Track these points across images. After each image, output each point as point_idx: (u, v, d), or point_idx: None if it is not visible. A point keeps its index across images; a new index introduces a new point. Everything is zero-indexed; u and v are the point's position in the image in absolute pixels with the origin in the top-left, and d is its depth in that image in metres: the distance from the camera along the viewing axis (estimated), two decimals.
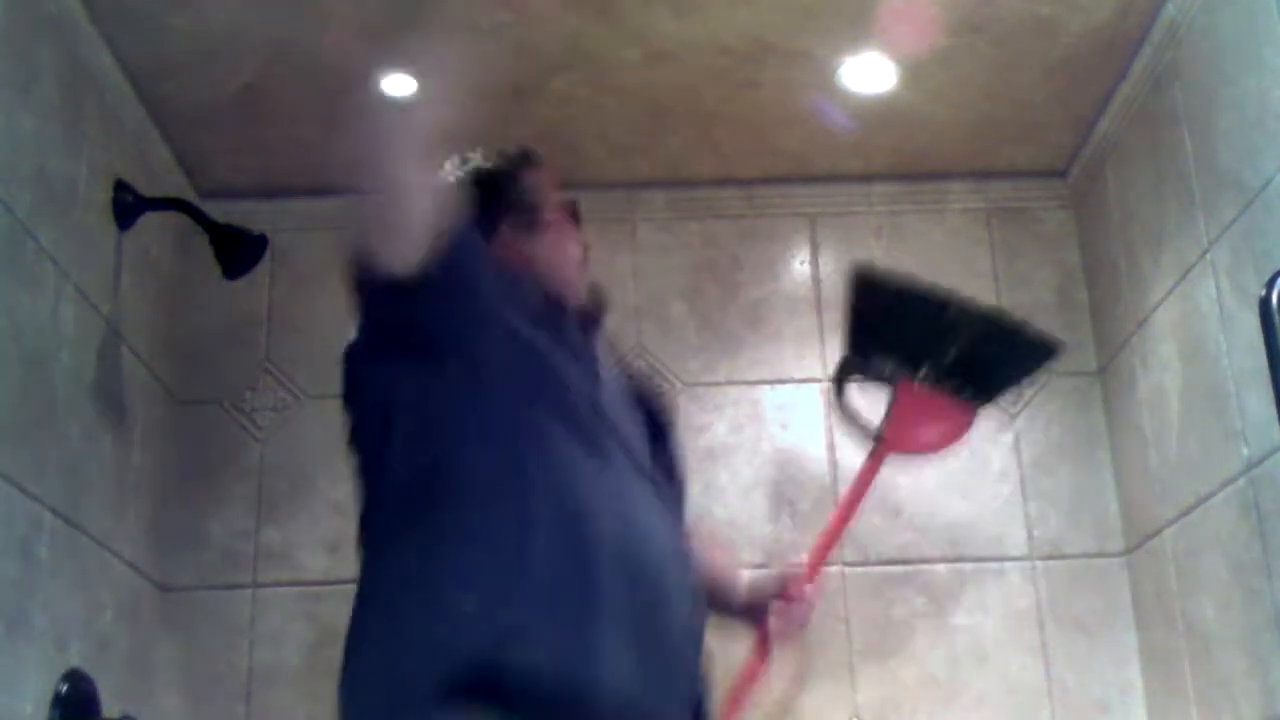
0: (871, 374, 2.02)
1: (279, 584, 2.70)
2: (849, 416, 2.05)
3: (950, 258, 2.95)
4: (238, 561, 2.71)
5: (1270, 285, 1.83)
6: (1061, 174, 2.97)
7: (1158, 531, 2.55)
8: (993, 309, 2.10)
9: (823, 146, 2.83)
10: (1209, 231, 2.26)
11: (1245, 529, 2.15)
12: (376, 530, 1.55)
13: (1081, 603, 2.72)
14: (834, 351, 2.88)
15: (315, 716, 2.63)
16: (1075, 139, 2.83)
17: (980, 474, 2.79)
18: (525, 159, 1.80)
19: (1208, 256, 2.27)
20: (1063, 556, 2.75)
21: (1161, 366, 2.51)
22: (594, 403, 1.53)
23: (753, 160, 2.89)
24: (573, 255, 1.75)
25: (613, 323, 2.70)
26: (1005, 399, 2.30)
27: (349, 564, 2.70)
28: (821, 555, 1.87)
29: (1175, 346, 2.44)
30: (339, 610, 2.68)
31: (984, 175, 2.97)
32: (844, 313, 2.06)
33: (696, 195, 2.97)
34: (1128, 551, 2.73)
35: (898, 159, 2.90)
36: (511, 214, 1.72)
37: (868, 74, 2.57)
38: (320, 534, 2.73)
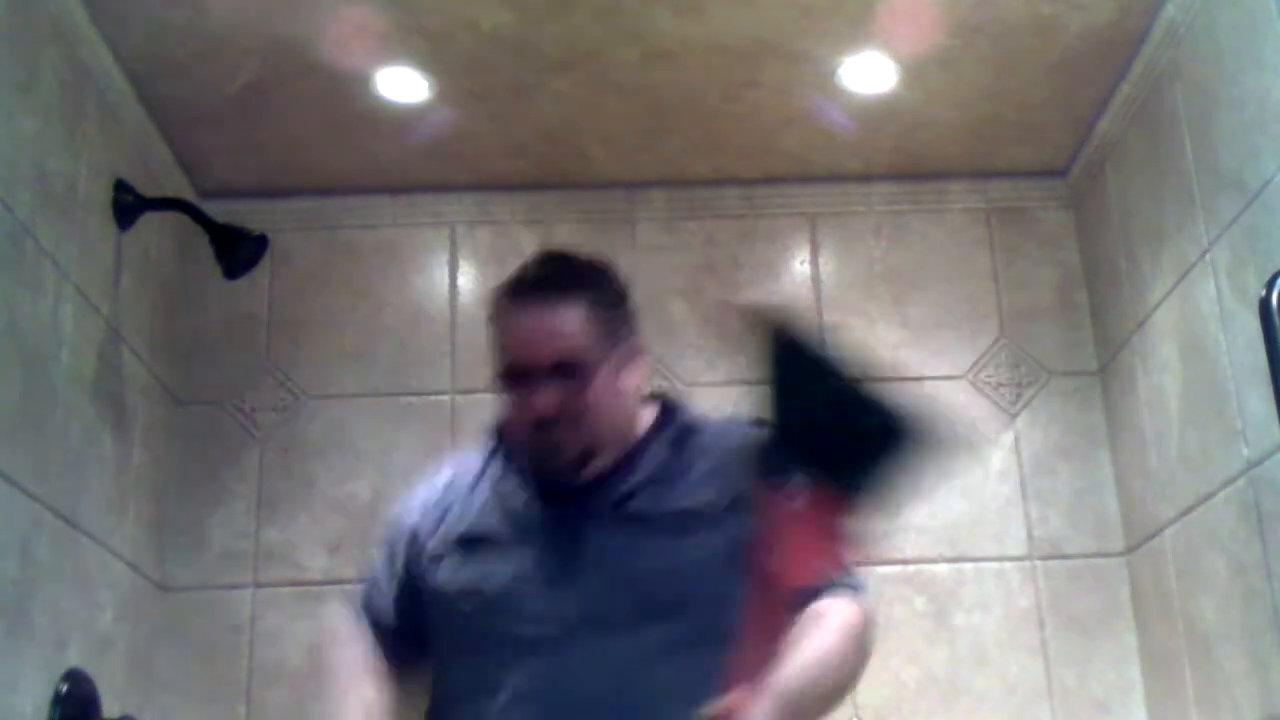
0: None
1: (279, 584, 2.70)
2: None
3: (950, 258, 2.95)
4: (238, 561, 2.71)
5: (1270, 285, 1.83)
6: (1061, 174, 2.97)
7: (1158, 531, 2.55)
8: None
9: (823, 146, 2.83)
10: (1209, 231, 2.26)
11: (1245, 529, 2.15)
12: None
13: (1081, 603, 2.72)
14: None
15: (315, 717, 2.63)
16: (1075, 139, 2.83)
17: (980, 474, 2.80)
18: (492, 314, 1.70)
19: (1208, 256, 2.27)
20: (1063, 556, 2.75)
21: (1161, 366, 2.51)
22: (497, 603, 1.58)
23: (753, 160, 2.89)
24: (516, 421, 1.65)
25: None
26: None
27: (349, 564, 2.72)
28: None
29: (1175, 346, 2.44)
30: (339, 610, 2.70)
31: (984, 175, 2.97)
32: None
33: (696, 195, 2.97)
34: (1128, 551, 2.73)
35: (898, 159, 2.90)
36: None
37: (868, 74, 2.57)
38: (320, 534, 2.73)
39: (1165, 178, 2.44)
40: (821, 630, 1.54)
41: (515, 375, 1.62)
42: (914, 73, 2.57)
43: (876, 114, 2.71)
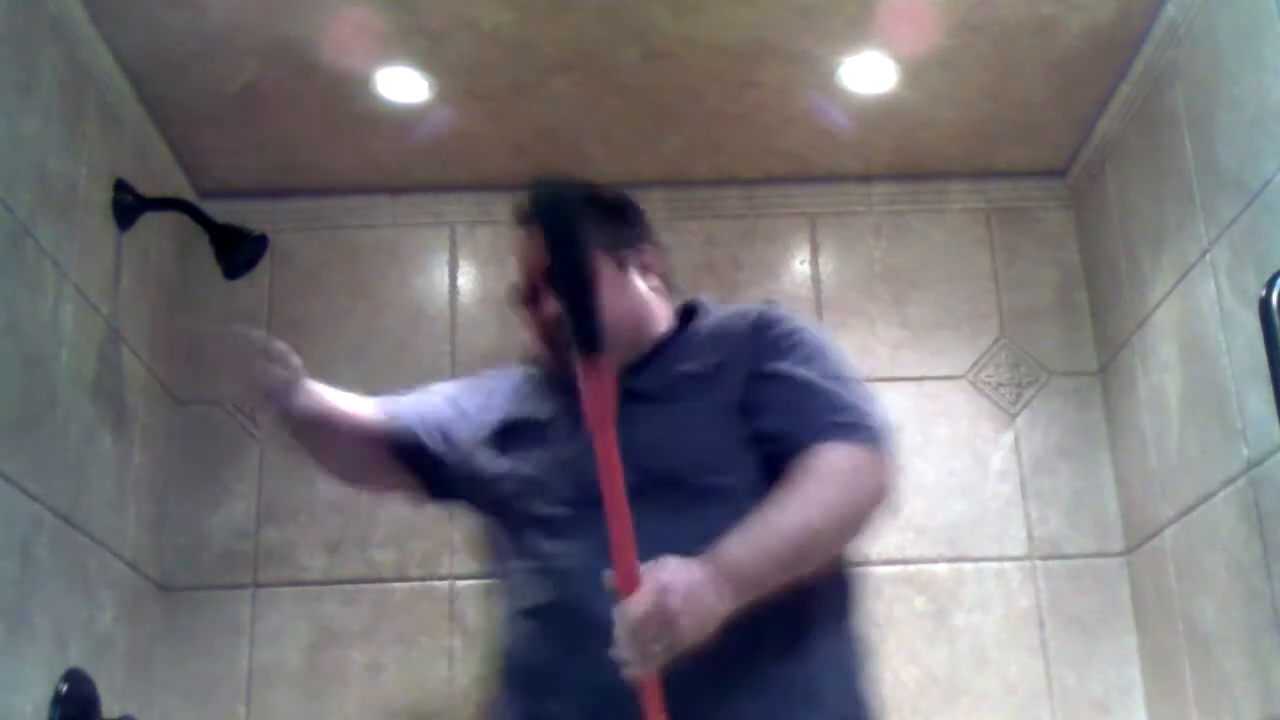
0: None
1: (279, 584, 2.70)
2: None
3: (950, 258, 2.95)
4: (238, 561, 2.71)
5: (1270, 285, 1.83)
6: (1061, 174, 2.97)
7: (1158, 531, 2.55)
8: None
9: (823, 146, 2.83)
10: (1209, 231, 2.26)
11: (1245, 529, 2.15)
12: None
13: (1081, 603, 2.72)
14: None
15: (315, 716, 2.64)
16: (1075, 139, 2.83)
17: (980, 474, 2.80)
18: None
19: (1208, 256, 2.27)
20: (1063, 556, 2.75)
21: (1161, 366, 2.51)
22: (519, 487, 1.70)
23: (753, 160, 2.89)
24: (535, 338, 1.80)
25: None
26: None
27: (349, 564, 2.73)
28: (624, 548, 1.49)
29: (1175, 346, 2.44)
30: (339, 610, 2.71)
31: (984, 175, 2.97)
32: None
33: (696, 195, 2.97)
34: (1128, 551, 2.73)
35: (898, 159, 2.90)
36: None
37: (868, 74, 2.57)
38: (320, 534, 2.73)
39: (1165, 178, 2.44)
40: (797, 484, 1.52)
41: (525, 292, 1.77)
42: (914, 73, 2.57)
43: (876, 114, 2.71)
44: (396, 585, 2.71)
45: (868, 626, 1.67)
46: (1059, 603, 2.72)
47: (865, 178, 2.96)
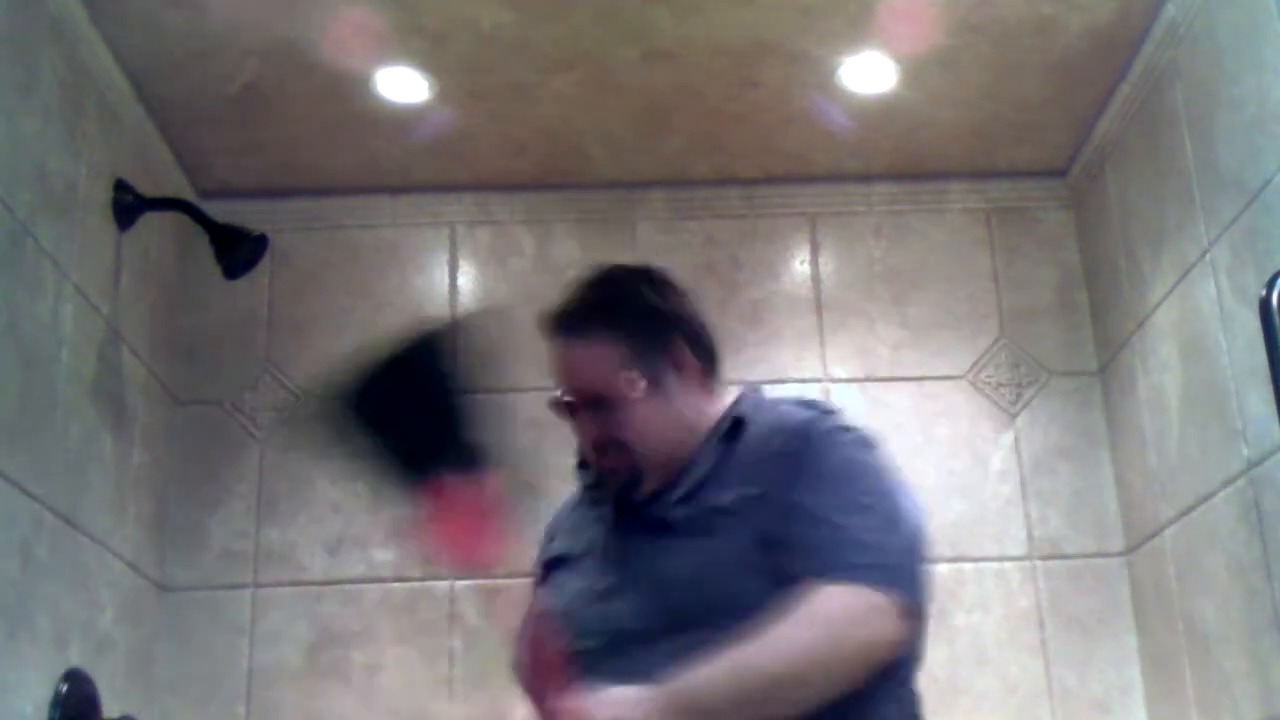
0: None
1: (279, 584, 2.70)
2: None
3: (950, 258, 2.95)
4: (238, 561, 2.71)
5: (1270, 285, 1.83)
6: (1061, 174, 2.97)
7: (1158, 531, 2.55)
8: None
9: (823, 146, 2.83)
10: (1209, 231, 2.26)
11: (1245, 529, 2.15)
12: None
13: (1081, 603, 2.72)
14: (834, 351, 2.89)
15: (315, 716, 2.63)
16: (1075, 139, 2.83)
17: (980, 474, 2.80)
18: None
19: (1208, 256, 2.27)
20: (1063, 556, 2.75)
21: (1161, 366, 2.51)
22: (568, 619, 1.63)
23: (753, 160, 2.89)
24: (581, 447, 1.74)
25: None
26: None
27: (349, 564, 2.73)
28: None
29: (1175, 346, 2.44)
30: (339, 610, 2.71)
31: (984, 175, 2.97)
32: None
33: (696, 195, 2.97)
34: (1128, 551, 2.73)
35: (898, 159, 2.90)
36: None
37: (868, 74, 2.57)
38: (320, 534, 2.73)
39: (1165, 178, 2.44)
40: (779, 625, 1.45)
41: (560, 404, 1.72)
42: (914, 73, 2.57)
43: (876, 114, 2.71)
44: (396, 585, 2.71)
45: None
46: (1059, 603, 2.72)
47: (865, 178, 2.96)
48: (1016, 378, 2.87)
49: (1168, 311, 2.47)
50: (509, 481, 1.55)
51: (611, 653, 1.52)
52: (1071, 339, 2.90)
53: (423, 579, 2.72)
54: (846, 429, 1.64)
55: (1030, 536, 2.76)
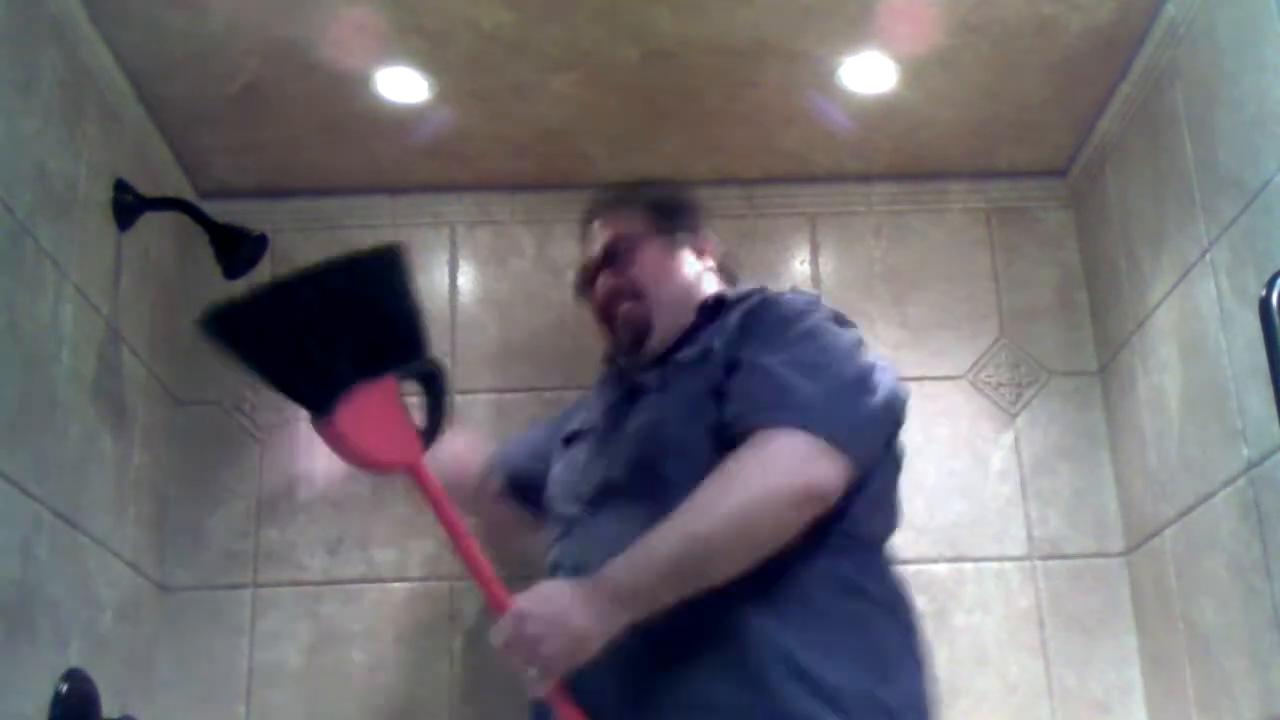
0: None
1: (279, 584, 2.70)
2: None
3: (950, 258, 2.95)
4: (238, 561, 2.71)
5: (1270, 285, 1.83)
6: (1061, 174, 2.97)
7: (1158, 531, 2.55)
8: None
9: (823, 146, 2.83)
10: (1209, 231, 2.26)
11: (1245, 529, 2.15)
12: None
13: (1081, 603, 2.72)
14: None
15: (315, 716, 2.63)
16: (1075, 139, 2.83)
17: (980, 474, 2.80)
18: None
19: (1208, 256, 2.27)
20: (1063, 556, 2.75)
21: (1161, 366, 2.51)
22: (560, 487, 1.76)
23: (753, 160, 2.89)
24: (594, 320, 1.90)
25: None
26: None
27: (349, 564, 2.73)
28: (483, 579, 1.58)
29: (1175, 346, 2.44)
30: (339, 610, 2.71)
31: (984, 175, 2.97)
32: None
33: (696, 195, 2.96)
34: (1128, 551, 2.73)
35: (898, 159, 2.90)
36: None
37: (868, 74, 2.57)
38: (320, 534, 2.73)
39: (1165, 178, 2.44)
40: (704, 486, 1.45)
41: (585, 276, 1.88)
42: (914, 73, 2.57)
43: (876, 114, 2.71)
44: (396, 585, 2.71)
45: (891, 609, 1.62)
46: (1059, 603, 2.72)
47: (865, 178, 2.96)
48: (1016, 378, 2.87)
49: (1168, 311, 2.47)
50: (411, 378, 1.64)
51: (597, 510, 1.57)
52: (1071, 339, 2.90)
53: (423, 579, 2.72)
54: (818, 304, 1.68)
55: (1030, 536, 2.76)
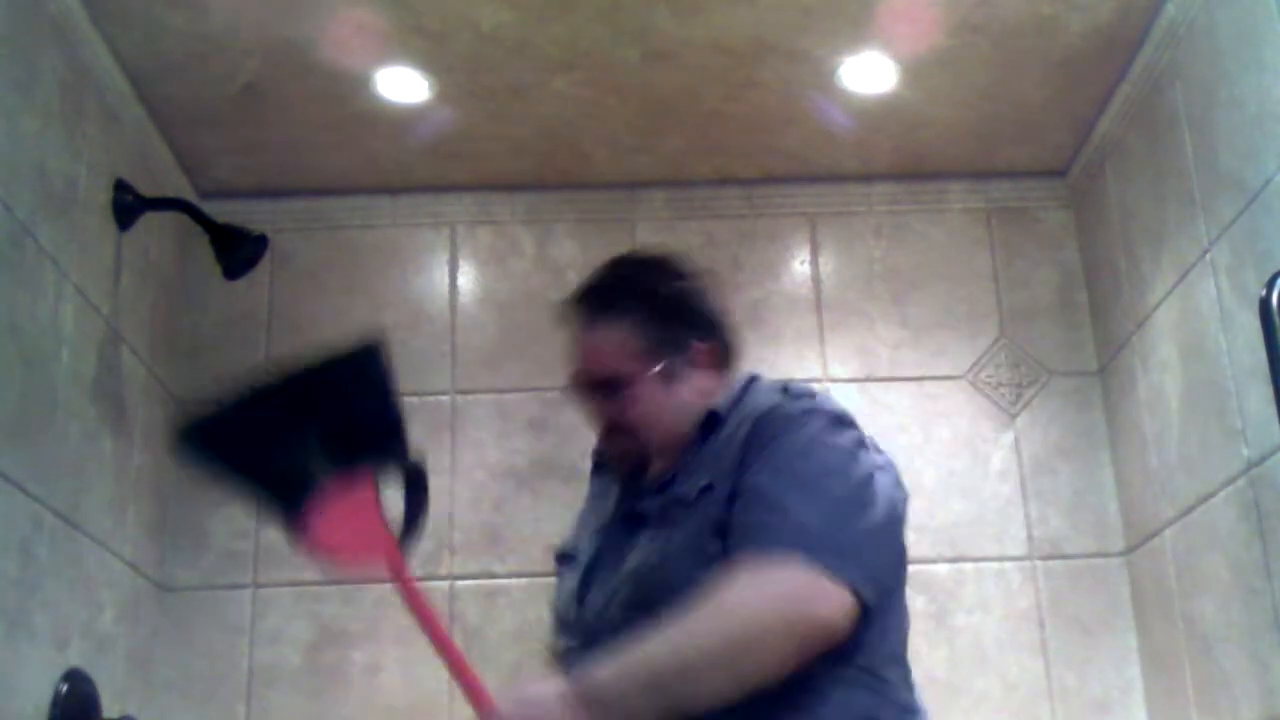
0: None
1: (279, 584, 2.70)
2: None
3: (950, 258, 2.95)
4: (238, 561, 2.71)
5: (1270, 285, 1.83)
6: (1061, 174, 2.97)
7: (1158, 531, 2.55)
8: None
9: (823, 146, 2.83)
10: (1209, 231, 2.26)
11: (1245, 529, 2.15)
12: None
13: (1081, 603, 2.72)
14: (834, 351, 2.89)
15: (315, 716, 2.63)
16: (1075, 139, 2.83)
17: (980, 474, 2.80)
18: None
19: (1208, 256, 2.27)
20: (1063, 556, 2.75)
21: (1161, 366, 2.51)
22: (565, 617, 1.68)
23: (753, 160, 2.89)
24: (595, 427, 1.76)
25: None
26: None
27: None
28: (465, 682, 1.57)
29: (1175, 346, 2.44)
30: (339, 610, 2.71)
31: (984, 175, 2.97)
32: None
33: (696, 195, 2.97)
34: (1128, 551, 2.73)
35: (898, 159, 2.90)
36: None
37: (868, 74, 2.57)
38: None
39: (1165, 178, 2.44)
40: (692, 609, 1.41)
41: (573, 387, 1.72)
42: (914, 73, 2.57)
43: (876, 114, 2.71)
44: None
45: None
46: (1059, 603, 2.72)
47: (865, 178, 2.96)
48: (1016, 378, 2.87)
49: (1168, 311, 2.47)
50: (386, 475, 1.60)
51: (587, 647, 1.53)
52: (1071, 339, 2.90)
53: (423, 579, 2.71)
54: (814, 411, 1.58)
55: (1030, 536, 2.76)
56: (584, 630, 1.59)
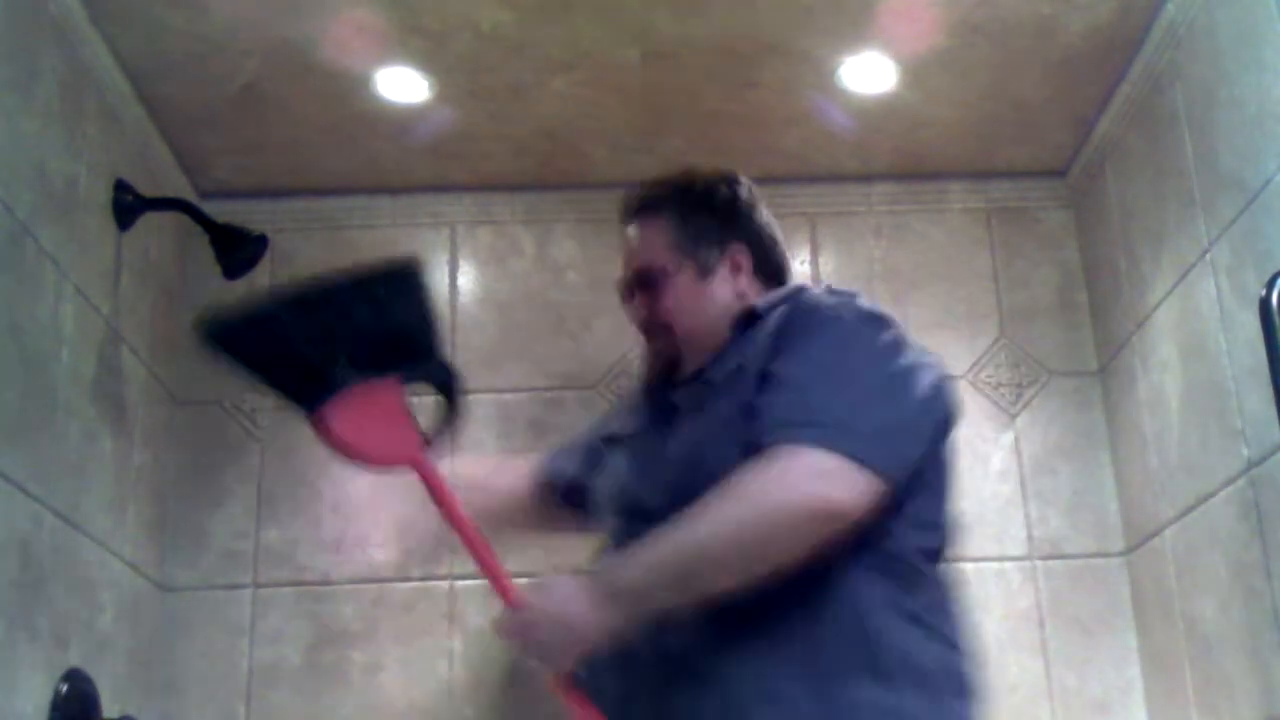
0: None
1: (279, 584, 2.70)
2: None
3: (950, 258, 2.95)
4: (238, 561, 2.71)
5: (1270, 285, 1.83)
6: (1061, 174, 2.97)
7: (1158, 531, 2.55)
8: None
9: (823, 146, 2.83)
10: (1209, 231, 2.26)
11: (1245, 529, 2.15)
12: None
13: (1081, 603, 2.72)
14: None
15: (315, 716, 2.63)
16: (1075, 139, 2.83)
17: (980, 474, 2.79)
18: None
19: (1208, 256, 2.27)
20: (1063, 556, 2.75)
21: (1161, 366, 2.51)
22: (604, 496, 1.76)
23: (753, 160, 2.87)
24: (635, 324, 1.84)
25: (613, 324, 2.71)
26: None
27: (349, 564, 2.72)
28: (493, 576, 1.60)
29: (1175, 346, 2.44)
30: (339, 610, 2.71)
31: (984, 175, 2.97)
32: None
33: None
34: (1128, 551, 2.73)
35: (898, 159, 2.90)
36: None
37: (868, 74, 2.57)
38: (320, 534, 2.73)
39: (1165, 178, 2.44)
40: (712, 497, 1.43)
41: (621, 289, 1.83)
42: (914, 73, 2.57)
43: (876, 114, 2.71)
44: (396, 585, 2.71)
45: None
46: (1059, 603, 2.72)
47: (865, 178, 2.96)
48: (1016, 378, 2.87)
49: (1168, 311, 2.47)
50: (420, 381, 1.64)
51: (631, 530, 1.55)
52: (1071, 339, 2.90)
53: (423, 579, 2.72)
54: (852, 307, 1.58)
55: (1030, 536, 2.76)
56: (629, 512, 1.62)
